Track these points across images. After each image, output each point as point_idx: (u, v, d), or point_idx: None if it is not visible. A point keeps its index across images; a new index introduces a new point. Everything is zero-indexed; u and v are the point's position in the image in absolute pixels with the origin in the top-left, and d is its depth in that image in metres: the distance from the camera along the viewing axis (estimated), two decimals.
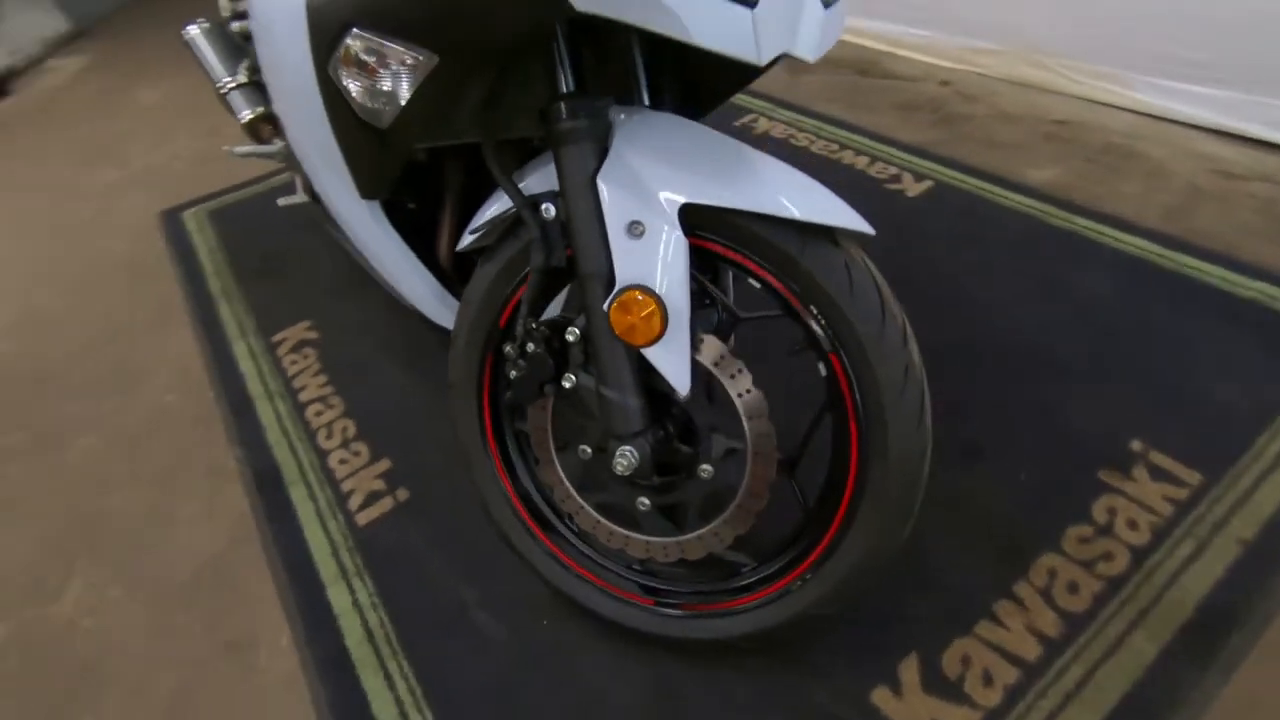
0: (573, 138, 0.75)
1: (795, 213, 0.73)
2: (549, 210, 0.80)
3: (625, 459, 0.81)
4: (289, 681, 1.06)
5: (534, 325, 0.83)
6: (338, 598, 1.15)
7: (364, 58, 0.80)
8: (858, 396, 0.78)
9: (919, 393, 0.78)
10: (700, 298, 0.86)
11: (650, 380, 0.81)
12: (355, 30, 0.79)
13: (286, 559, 1.22)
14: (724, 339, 0.86)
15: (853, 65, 2.50)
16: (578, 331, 0.82)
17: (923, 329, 0.82)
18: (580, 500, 0.94)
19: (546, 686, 1.01)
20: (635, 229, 0.74)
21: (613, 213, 0.74)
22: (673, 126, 0.80)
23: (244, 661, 1.11)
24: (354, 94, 0.85)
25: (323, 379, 1.57)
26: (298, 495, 1.32)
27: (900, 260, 1.60)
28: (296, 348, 1.66)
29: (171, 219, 2.21)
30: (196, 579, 1.24)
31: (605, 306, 0.75)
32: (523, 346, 0.85)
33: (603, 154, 0.76)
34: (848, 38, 2.64)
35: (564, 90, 0.76)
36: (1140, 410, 1.25)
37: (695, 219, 0.75)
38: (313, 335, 1.69)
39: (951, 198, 1.81)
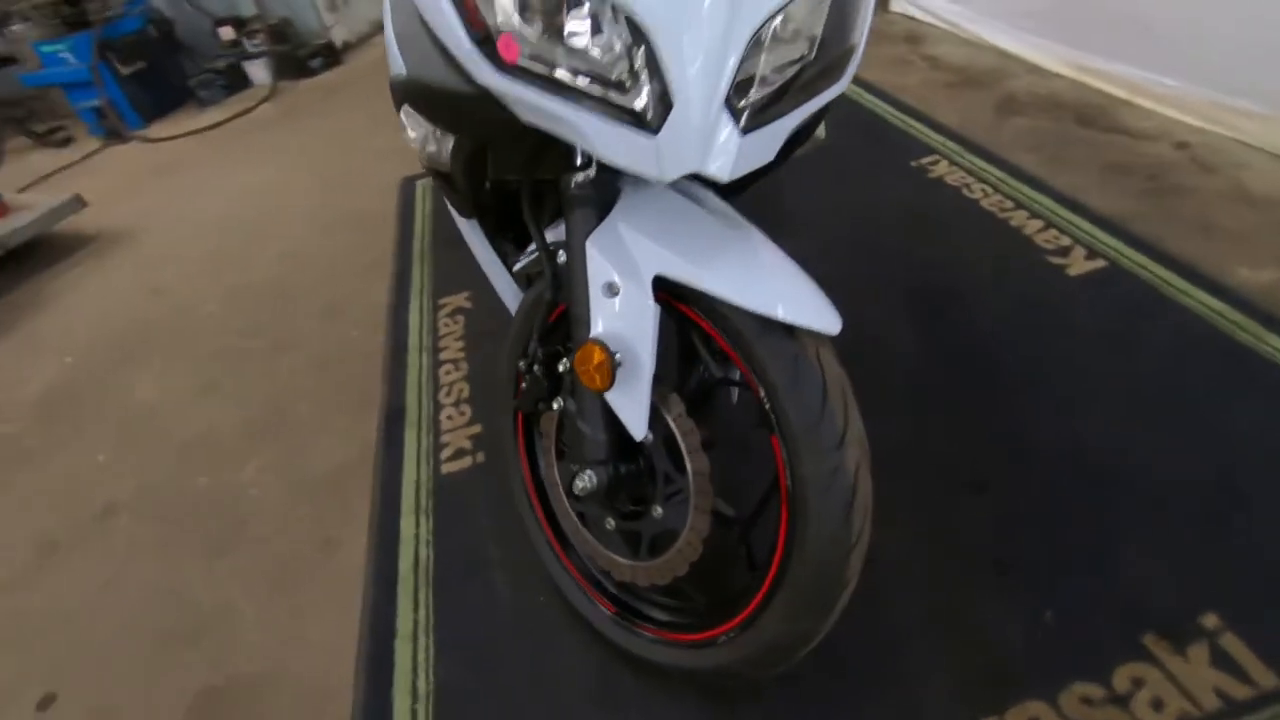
0: (578, 202, 0.87)
1: (750, 303, 0.78)
2: (562, 256, 0.93)
3: (583, 481, 0.92)
4: (352, 581, 1.35)
5: (539, 351, 0.98)
6: (406, 527, 1.42)
7: (415, 125, 0.99)
8: (789, 483, 0.82)
9: (846, 495, 0.79)
10: (692, 356, 0.94)
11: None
12: (406, 106, 0.98)
13: (384, 484, 1.52)
14: (707, 397, 0.93)
15: (1074, 110, 2.23)
16: (568, 364, 0.94)
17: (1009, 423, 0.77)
18: (566, 505, 1.08)
19: (526, 651, 1.17)
20: (611, 289, 0.84)
21: (594, 272, 0.85)
22: (671, 203, 0.87)
23: (330, 555, 1.42)
24: (415, 145, 1.04)
25: (461, 344, 1.86)
26: (409, 436, 1.62)
27: (1023, 349, 1.48)
28: (453, 313, 1.98)
29: (407, 186, 2.68)
30: (326, 480, 1.59)
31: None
32: (530, 366, 1.00)
33: (603, 218, 0.87)
34: (1077, 76, 2.35)
35: (577, 163, 0.87)
36: (1240, 582, 1.06)
37: (674, 288, 0.84)
38: (468, 305, 1.99)
39: (1122, 285, 1.59)
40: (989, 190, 1.96)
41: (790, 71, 0.73)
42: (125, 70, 3.84)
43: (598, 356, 0.82)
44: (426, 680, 1.17)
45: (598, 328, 0.86)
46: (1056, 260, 1.69)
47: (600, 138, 0.70)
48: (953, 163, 2.10)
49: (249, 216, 2.82)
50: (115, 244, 2.84)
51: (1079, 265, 1.66)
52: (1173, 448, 1.25)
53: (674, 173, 0.71)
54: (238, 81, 4.11)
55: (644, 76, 0.67)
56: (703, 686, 1.05)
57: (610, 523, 1.01)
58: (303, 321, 2.12)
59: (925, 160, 2.15)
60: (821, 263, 1.81)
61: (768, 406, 0.81)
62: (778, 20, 0.68)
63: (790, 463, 0.81)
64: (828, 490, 0.79)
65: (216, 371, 2.00)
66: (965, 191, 1.98)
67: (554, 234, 0.99)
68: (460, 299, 2.02)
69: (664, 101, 0.68)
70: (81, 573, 1.51)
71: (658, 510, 0.94)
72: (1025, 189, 1.93)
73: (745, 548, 0.96)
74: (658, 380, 0.86)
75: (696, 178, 0.94)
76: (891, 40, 2.97)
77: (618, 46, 0.67)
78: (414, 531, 1.41)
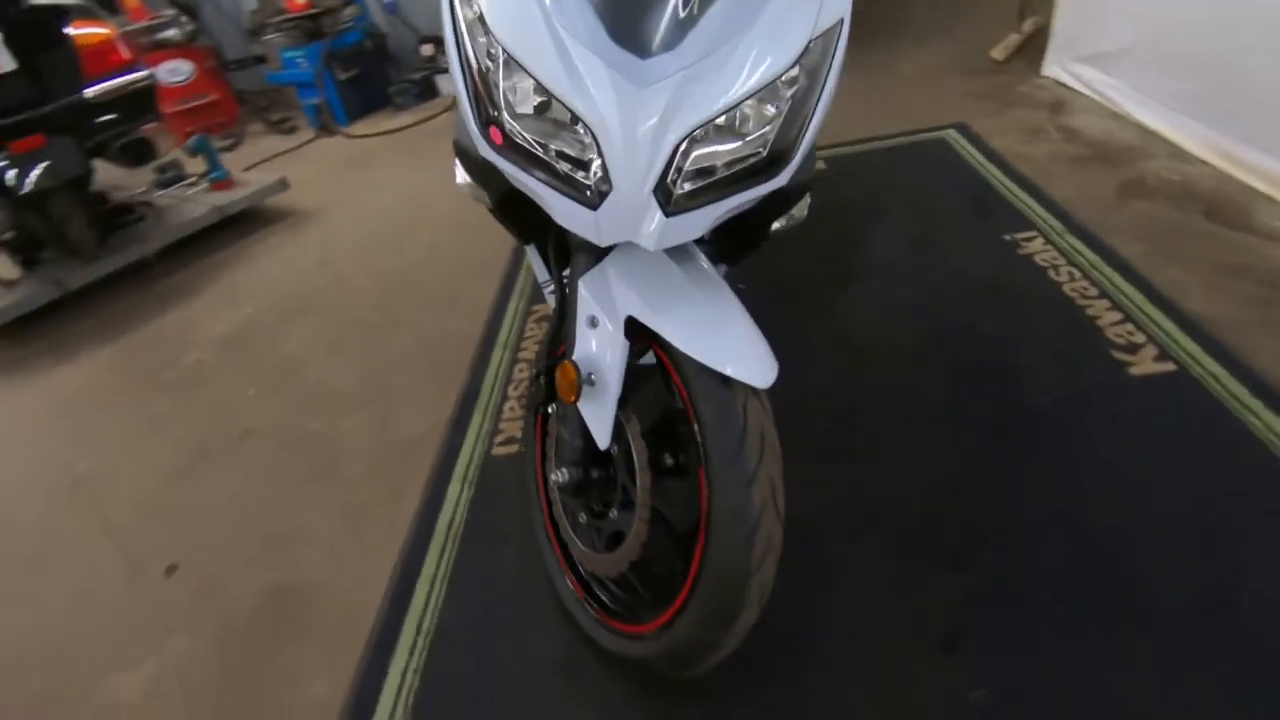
0: (578, 248, 1.06)
1: (692, 350, 0.92)
2: (568, 288, 1.12)
3: (557, 476, 1.11)
4: (399, 532, 1.62)
5: (544, 363, 1.18)
6: (451, 492, 1.67)
7: (461, 174, 1.21)
8: (707, 509, 0.95)
9: (748, 529, 0.91)
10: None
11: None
12: (458, 160, 1.21)
13: (445, 453, 1.79)
14: (674, 424, 1.08)
15: (1205, 201, 2.09)
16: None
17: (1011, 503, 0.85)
18: (558, 493, 1.26)
19: (514, 615, 1.37)
20: (593, 321, 1.02)
21: (582, 305, 1.03)
22: (655, 258, 1.03)
23: (395, 504, 1.70)
24: (462, 189, 1.27)
25: (538, 349, 2.11)
26: (475, 418, 1.89)
27: (1052, 437, 1.47)
28: (539, 320, 2.24)
29: None
30: (407, 442, 1.89)
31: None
32: (538, 375, 1.20)
33: (599, 262, 1.05)
34: (1221, 165, 2.19)
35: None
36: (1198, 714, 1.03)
37: (645, 328, 1.00)
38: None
39: (1184, 393, 1.51)
40: (1077, 274, 1.90)
41: (736, 167, 0.87)
42: (343, 76, 4.57)
43: (570, 374, 1.00)
44: (431, 619, 1.40)
45: (577, 351, 1.04)
46: (1122, 356, 1.63)
47: (558, 207, 0.89)
48: (1049, 240, 2.06)
49: (411, 210, 3.29)
50: (305, 221, 3.43)
51: (1145, 365, 1.59)
52: (1178, 565, 1.21)
53: (610, 241, 0.87)
54: (428, 92, 4.74)
55: (594, 166, 0.85)
56: (649, 674, 1.19)
57: (582, 517, 1.18)
58: (425, 306, 2.48)
59: (1021, 235, 2.11)
60: (873, 318, 1.89)
61: (699, 440, 0.95)
62: (712, 125, 0.83)
63: (709, 492, 0.94)
64: (733, 522, 0.91)
65: (349, 337, 2.40)
66: (1051, 273, 1.93)
67: None
68: (548, 309, 2.27)
69: (605, 186, 0.85)
70: (218, 478, 1.92)
71: (614, 513, 1.10)
72: (1116, 278, 1.85)
73: (682, 558, 1.09)
74: (625, 402, 1.03)
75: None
76: (1032, 106, 2.88)
77: (575, 143, 0.85)
78: (456, 497, 1.66)
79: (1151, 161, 2.34)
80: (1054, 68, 3.04)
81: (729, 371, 0.91)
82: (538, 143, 0.87)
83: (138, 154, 2.75)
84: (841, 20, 0.89)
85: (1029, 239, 2.09)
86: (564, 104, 0.82)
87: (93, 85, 2.52)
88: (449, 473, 1.72)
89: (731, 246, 1.21)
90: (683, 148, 0.83)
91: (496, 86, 0.87)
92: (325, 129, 4.58)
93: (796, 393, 1.73)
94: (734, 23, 0.84)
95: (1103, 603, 1.18)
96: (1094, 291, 1.83)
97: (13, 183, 2.31)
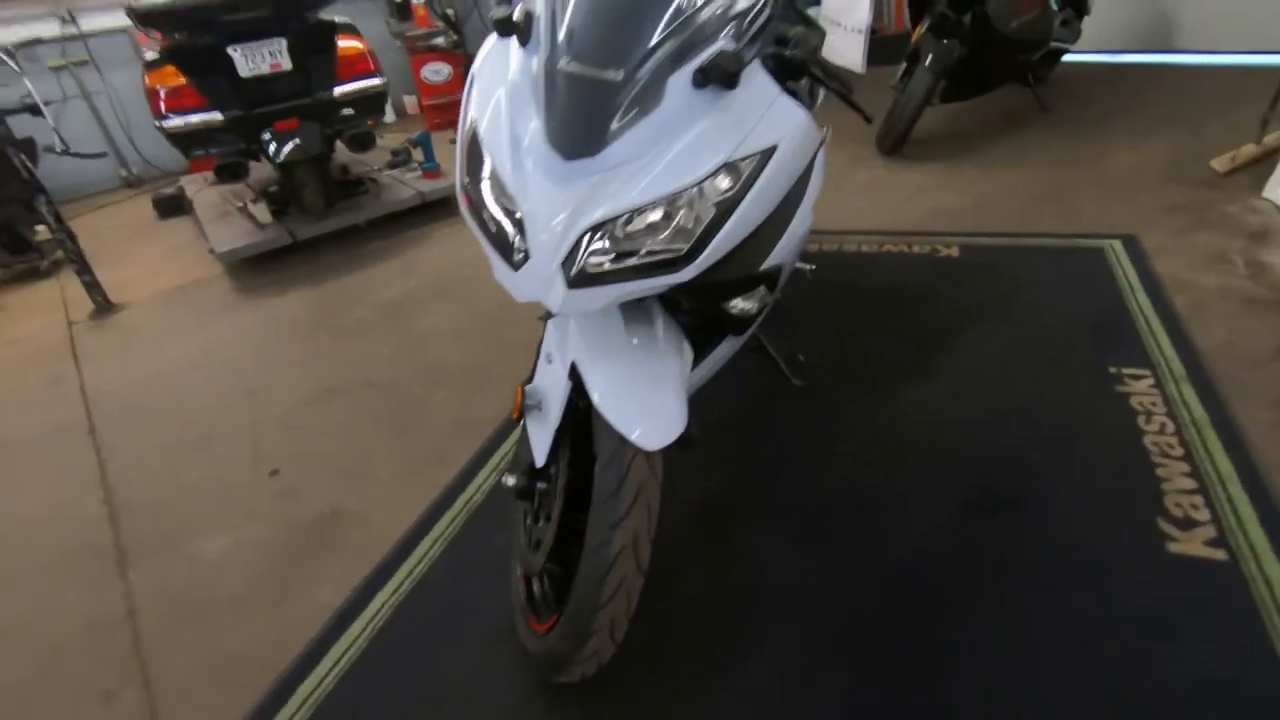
0: None
1: (600, 403, 1.07)
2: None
3: (505, 479, 1.30)
4: (432, 493, 1.91)
5: None
6: (483, 474, 1.94)
7: None
8: (585, 539, 1.09)
9: (603, 567, 1.05)
10: None
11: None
12: None
13: (490, 441, 2.06)
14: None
15: None
16: None
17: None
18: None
19: (487, 584, 1.59)
20: (549, 358, 1.20)
21: (546, 342, 1.22)
22: (612, 318, 1.18)
23: (438, 470, 2.00)
24: None
25: None
26: None
27: (1049, 594, 1.38)
28: None
29: None
30: (475, 422, 2.19)
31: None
32: None
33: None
34: None
35: None
36: None
37: None
38: None
39: (1222, 589, 1.33)
40: (1169, 428, 1.70)
41: (650, 258, 0.99)
42: None
43: (517, 397, 1.20)
44: (426, 568, 1.67)
45: (535, 378, 1.23)
46: (1168, 529, 1.46)
47: (494, 264, 1.08)
48: (1158, 383, 1.85)
49: None
50: None
51: (1191, 546, 1.42)
52: None
53: (525, 299, 1.04)
54: None
55: (519, 239, 1.02)
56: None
57: (528, 519, 1.36)
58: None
59: (1130, 370, 1.92)
60: (923, 416, 1.85)
61: (596, 478, 1.10)
62: (624, 220, 0.97)
63: (588, 526, 1.08)
64: (595, 556, 1.05)
65: (470, 324, 2.78)
66: (1142, 419, 1.75)
67: None
68: None
69: (524, 256, 1.02)
70: (336, 412, 2.36)
71: (542, 522, 1.27)
72: (1214, 443, 1.64)
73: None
74: (565, 432, 1.20)
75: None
76: (1229, 230, 2.53)
77: (510, 217, 1.03)
78: (482, 481, 1.92)
79: None
80: (1276, 190, 2.63)
81: (621, 429, 1.05)
82: (486, 210, 1.07)
83: (362, 143, 3.41)
84: (775, 147, 0.98)
85: (1137, 377, 1.89)
86: (504, 187, 1.02)
87: (341, 86, 3.20)
88: (486, 458, 1.99)
89: (698, 321, 1.32)
90: (587, 236, 0.98)
91: (465, 158, 1.08)
92: None
93: (801, 468, 1.77)
94: (655, 140, 0.98)
95: None
96: (1179, 451, 1.64)
97: (272, 152, 3.02)
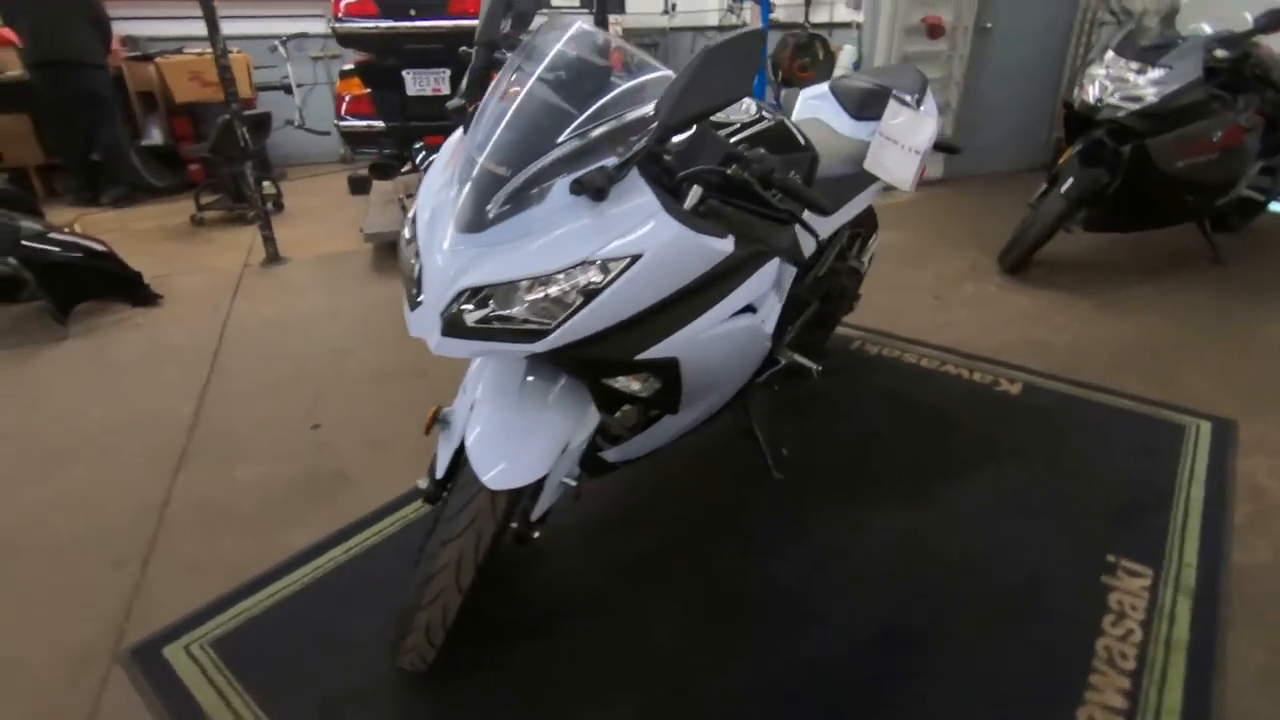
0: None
1: (468, 438, 1.23)
2: None
3: (419, 484, 1.49)
4: None
5: None
6: None
7: None
8: None
9: (427, 574, 1.22)
10: None
11: None
12: None
13: None
14: None
15: None
16: None
17: None
18: None
19: None
20: (465, 389, 1.39)
21: (469, 375, 1.40)
22: (512, 372, 1.34)
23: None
24: None
25: None
26: None
27: None
28: None
29: None
30: None
31: None
32: None
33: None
34: None
35: None
36: None
37: None
38: None
39: None
40: (1137, 637, 1.54)
41: (518, 325, 1.13)
42: None
43: (429, 415, 1.38)
44: (378, 540, 1.90)
45: (450, 404, 1.41)
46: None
47: (404, 299, 1.26)
48: (1153, 587, 1.66)
49: None
50: None
51: None
52: None
53: (414, 335, 1.21)
54: None
55: (418, 287, 1.20)
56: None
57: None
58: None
59: (1129, 563, 1.73)
60: (867, 550, 1.84)
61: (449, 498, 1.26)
62: (498, 289, 1.12)
63: (430, 534, 1.24)
64: (424, 563, 1.21)
65: None
66: (1109, 620, 1.58)
67: None
68: None
69: (418, 300, 1.19)
70: (404, 392, 2.67)
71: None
72: (1178, 669, 1.46)
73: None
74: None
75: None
76: None
77: (417, 268, 1.21)
78: None
79: None
80: None
81: (475, 467, 1.20)
82: (404, 257, 1.27)
83: None
84: (640, 255, 1.10)
85: (1135, 573, 1.70)
86: (417, 243, 1.21)
87: None
88: None
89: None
90: (464, 295, 1.14)
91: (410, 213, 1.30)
92: None
93: (736, 554, 1.79)
94: (529, 230, 1.13)
95: None
96: (1129, 665, 1.47)
97: (419, 160, 3.52)
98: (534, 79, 1.26)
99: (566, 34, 1.36)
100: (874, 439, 2.28)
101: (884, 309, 3.17)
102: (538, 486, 1.35)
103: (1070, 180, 3.27)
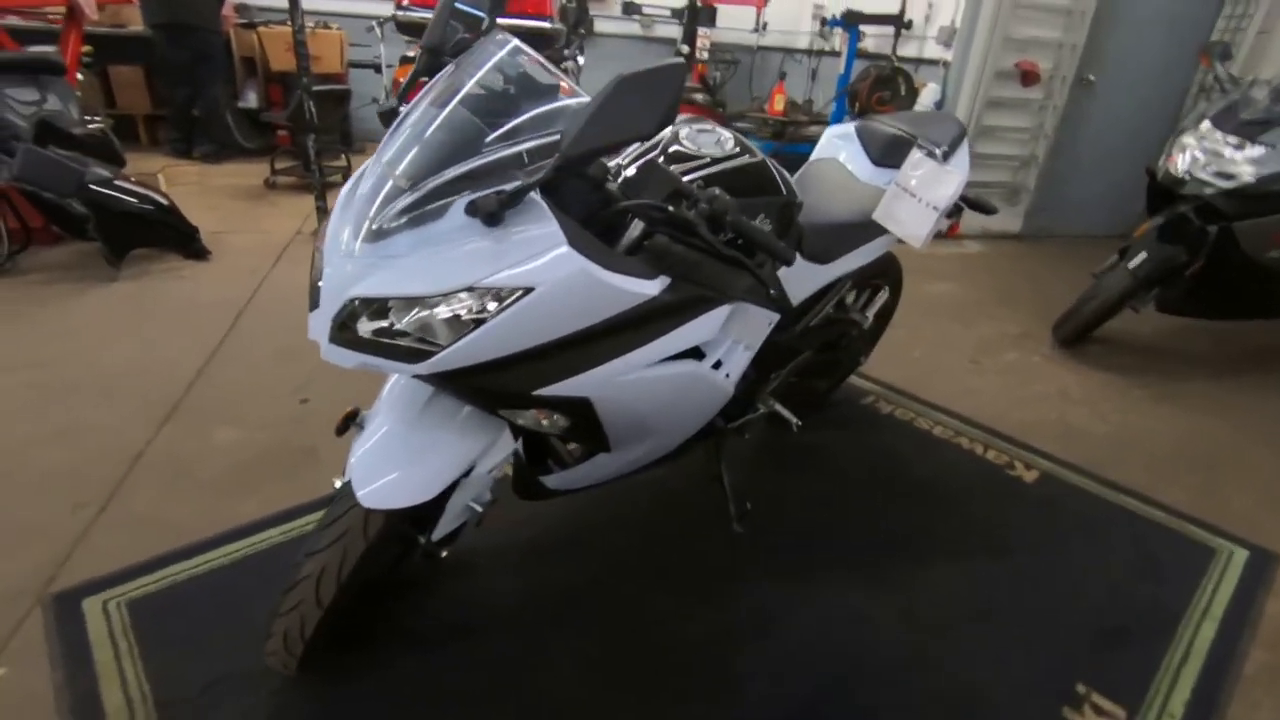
0: None
1: (354, 454, 1.19)
2: None
3: (335, 482, 1.45)
4: None
5: None
6: None
7: None
8: None
9: (292, 580, 1.20)
10: None
11: None
12: None
13: None
14: None
15: None
16: None
17: None
18: None
19: None
20: (380, 398, 1.34)
21: (385, 390, 1.36)
22: (417, 390, 1.30)
23: None
24: None
25: None
26: None
27: None
28: None
29: None
30: None
31: None
32: None
33: None
34: None
35: None
36: None
37: None
38: None
39: None
40: None
41: (403, 341, 1.07)
42: None
43: (343, 415, 1.35)
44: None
45: (372, 406, 1.37)
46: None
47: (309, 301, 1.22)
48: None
49: None
50: None
51: None
52: None
53: (310, 337, 1.16)
54: None
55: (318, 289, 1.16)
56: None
57: None
58: None
59: (1100, 699, 1.53)
60: (823, 623, 1.73)
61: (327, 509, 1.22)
62: (392, 306, 1.06)
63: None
64: (290, 570, 1.18)
65: None
66: None
67: None
68: None
69: (316, 304, 1.15)
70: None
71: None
72: None
73: None
74: None
75: None
76: None
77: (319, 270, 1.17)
78: None
79: None
80: None
81: (354, 482, 1.16)
82: (314, 256, 1.23)
83: None
84: (533, 288, 1.02)
85: (1104, 712, 1.50)
86: (323, 244, 1.17)
87: None
88: None
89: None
90: (355, 305, 1.09)
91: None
92: None
93: (665, 605, 1.69)
94: (422, 247, 1.07)
95: None
96: None
97: None
98: (454, 93, 1.21)
99: (500, 52, 1.31)
100: (853, 506, 2.12)
101: (913, 365, 2.98)
102: (437, 508, 1.30)
103: (1142, 256, 2.98)
